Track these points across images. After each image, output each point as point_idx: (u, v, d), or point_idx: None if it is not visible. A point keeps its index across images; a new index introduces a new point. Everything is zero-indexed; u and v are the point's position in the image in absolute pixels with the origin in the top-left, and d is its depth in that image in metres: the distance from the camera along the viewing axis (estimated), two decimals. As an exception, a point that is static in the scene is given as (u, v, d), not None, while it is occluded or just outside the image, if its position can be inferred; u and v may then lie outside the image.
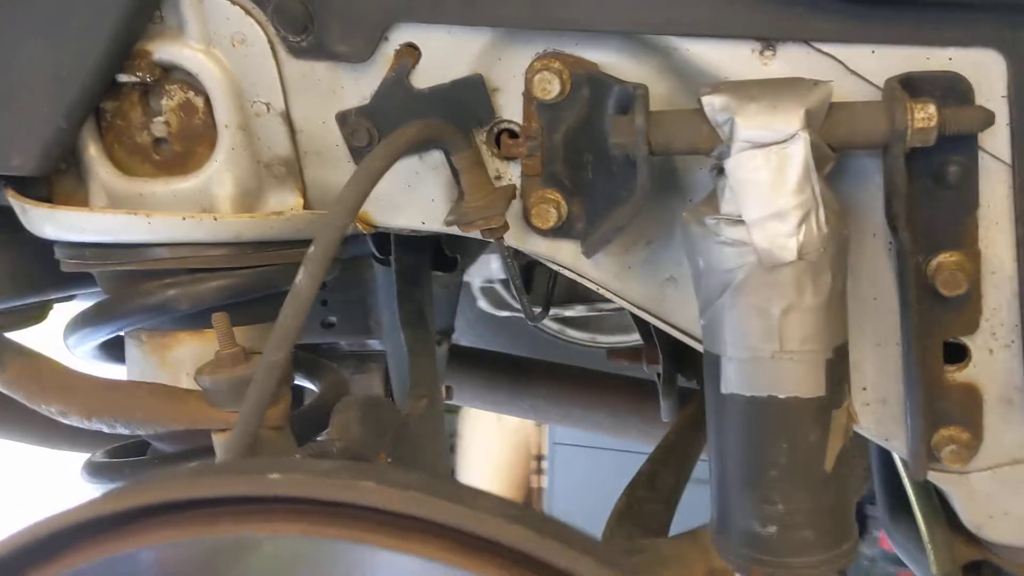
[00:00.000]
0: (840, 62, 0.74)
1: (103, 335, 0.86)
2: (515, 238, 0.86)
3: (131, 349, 0.89)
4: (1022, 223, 0.75)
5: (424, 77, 0.81)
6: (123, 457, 0.95)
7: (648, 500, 1.00)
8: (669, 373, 1.22)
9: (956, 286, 0.77)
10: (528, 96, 0.81)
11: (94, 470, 0.90)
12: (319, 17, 0.79)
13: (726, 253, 0.70)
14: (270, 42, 0.81)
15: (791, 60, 0.75)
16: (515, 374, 1.52)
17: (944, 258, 0.77)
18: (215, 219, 0.80)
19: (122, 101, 0.84)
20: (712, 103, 0.69)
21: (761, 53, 0.75)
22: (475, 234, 0.83)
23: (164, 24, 0.81)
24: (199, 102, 0.84)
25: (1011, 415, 0.82)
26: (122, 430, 0.76)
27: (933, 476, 0.86)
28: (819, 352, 0.71)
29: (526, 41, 0.79)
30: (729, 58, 0.76)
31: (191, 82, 0.83)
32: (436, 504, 0.43)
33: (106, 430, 0.76)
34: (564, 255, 0.87)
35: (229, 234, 0.81)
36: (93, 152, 0.84)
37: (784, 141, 0.67)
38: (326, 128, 0.85)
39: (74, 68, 0.78)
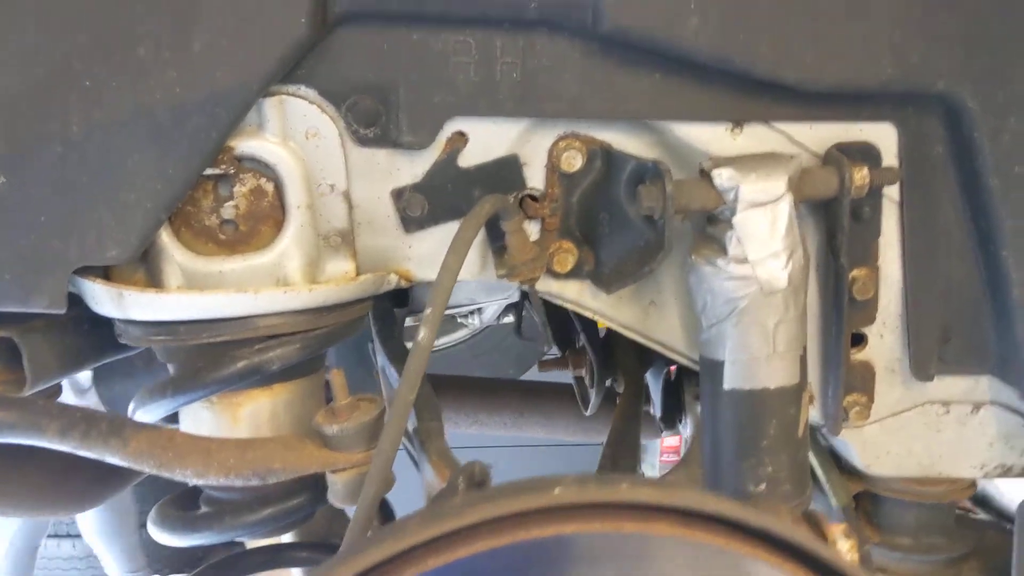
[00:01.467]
0: (787, 135, 1.01)
1: (195, 398, 0.95)
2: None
3: (199, 411, 0.99)
4: (907, 245, 1.06)
5: (469, 157, 0.99)
6: (181, 506, 1.04)
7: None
8: (600, 375, 1.47)
9: (866, 292, 1.06)
10: (552, 168, 1.00)
11: (173, 522, 0.99)
12: (388, 113, 0.94)
13: (734, 285, 0.94)
14: (340, 135, 0.95)
15: (753, 135, 1.00)
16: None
17: (857, 272, 1.06)
18: (309, 290, 0.93)
19: (196, 189, 0.94)
20: (720, 175, 0.93)
21: (731, 131, 1.00)
22: (515, 283, 1.01)
23: (245, 122, 0.92)
24: (269, 187, 0.95)
25: (893, 380, 1.14)
26: (255, 482, 0.87)
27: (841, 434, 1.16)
28: (797, 350, 0.97)
29: (552, 126, 0.99)
30: (708, 135, 1.00)
31: (262, 170, 0.95)
32: (701, 498, 0.64)
33: (239, 484, 0.87)
34: (569, 292, 1.07)
35: (314, 301, 0.94)
36: (166, 238, 0.93)
37: (776, 200, 0.93)
38: (379, 203, 1.00)
39: (180, 169, 0.87)
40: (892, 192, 1.04)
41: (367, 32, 0.91)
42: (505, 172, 1.00)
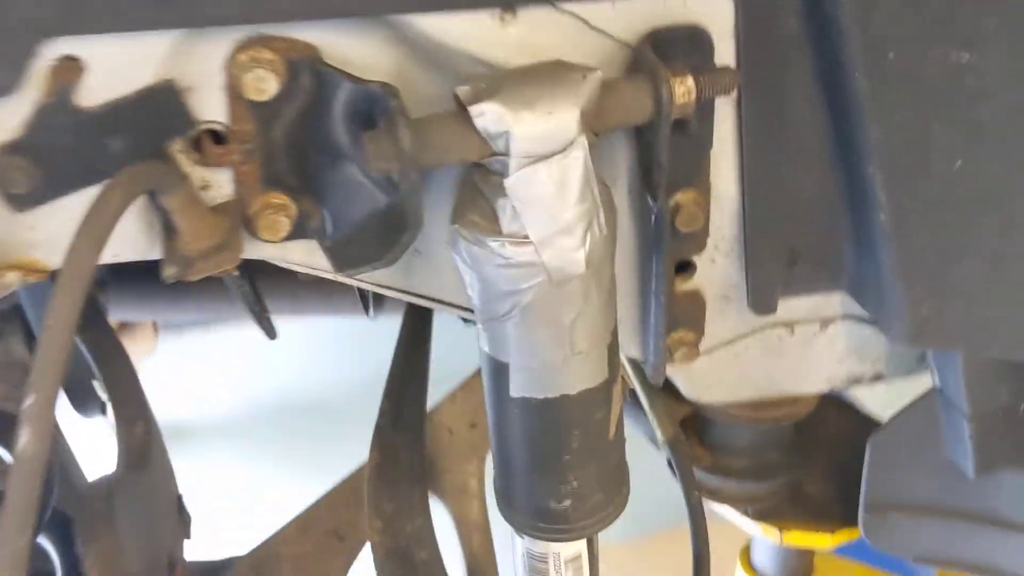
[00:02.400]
0: (583, 19, 0.69)
1: None
2: (236, 249, 0.73)
3: None
4: (747, 155, 0.78)
5: (92, 94, 0.62)
6: None
7: (400, 446, 0.98)
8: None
9: (693, 223, 0.79)
10: (235, 95, 0.66)
11: None
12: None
13: (513, 274, 0.65)
14: None
15: (533, 23, 0.68)
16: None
17: (681, 196, 0.78)
18: None
19: None
20: (483, 114, 0.61)
21: (501, 18, 0.67)
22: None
23: None
24: None
25: (727, 308, 0.90)
26: None
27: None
28: (603, 343, 0.71)
29: (223, 30, 0.63)
30: (466, 27, 0.66)
31: None
32: None
33: None
34: (295, 254, 0.76)
35: None
36: None
37: (564, 149, 0.62)
38: (-44, 174, 0.63)
39: None
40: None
41: None
42: (157, 108, 0.64)
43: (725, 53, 0.72)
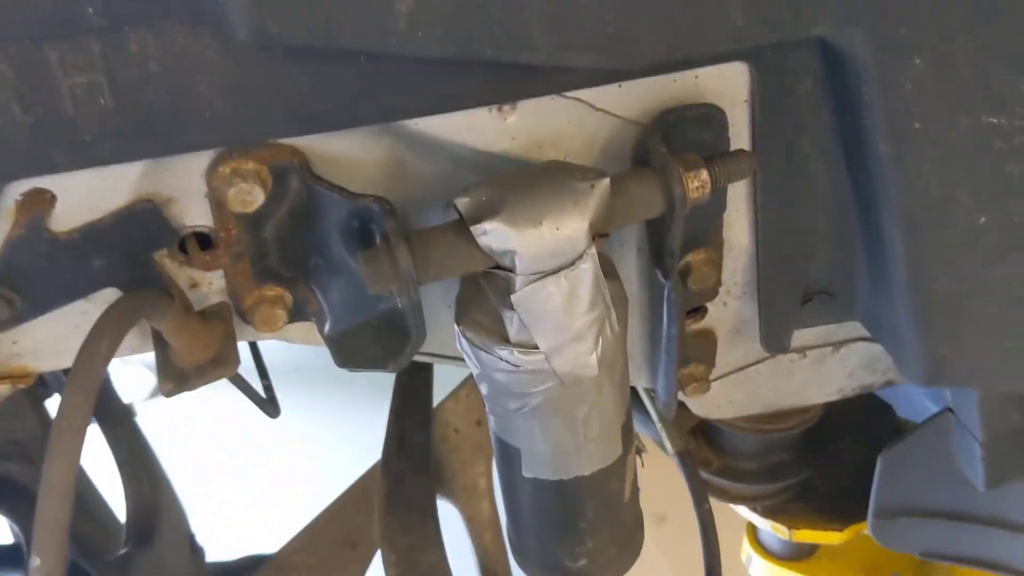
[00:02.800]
0: (586, 102, 0.64)
1: None
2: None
3: None
4: (761, 208, 0.75)
5: (66, 220, 0.58)
6: None
7: (407, 472, 0.97)
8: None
9: (705, 281, 0.77)
10: (219, 204, 0.62)
11: None
12: None
13: (522, 379, 0.62)
14: None
15: (533, 109, 0.63)
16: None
17: (693, 258, 0.75)
18: None
19: None
20: (486, 232, 0.57)
21: (499, 111, 0.62)
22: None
23: None
24: None
25: (738, 340, 0.88)
26: None
27: (675, 399, 0.91)
28: (616, 424, 0.69)
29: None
30: (465, 123, 0.62)
31: None
32: None
33: None
34: (294, 334, 0.73)
35: None
36: None
37: (574, 263, 0.59)
38: (-67, 304, 0.60)
39: None
40: (743, 144, 0.70)
41: None
42: (138, 224, 0.60)
43: (739, 119, 0.68)
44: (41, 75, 0.50)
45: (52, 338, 0.65)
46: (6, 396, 0.66)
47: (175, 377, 0.62)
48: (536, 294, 0.59)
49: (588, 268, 0.59)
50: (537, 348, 0.61)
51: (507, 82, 0.59)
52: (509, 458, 0.70)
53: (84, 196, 0.58)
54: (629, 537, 0.78)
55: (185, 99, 0.53)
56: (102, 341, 0.54)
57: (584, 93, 0.63)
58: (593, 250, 0.59)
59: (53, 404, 1.24)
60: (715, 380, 0.91)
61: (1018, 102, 0.66)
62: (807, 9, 0.59)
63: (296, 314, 0.70)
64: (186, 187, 0.61)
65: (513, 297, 0.59)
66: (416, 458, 0.98)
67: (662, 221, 0.65)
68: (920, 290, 0.75)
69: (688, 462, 1.02)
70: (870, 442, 1.05)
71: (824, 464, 1.14)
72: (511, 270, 0.58)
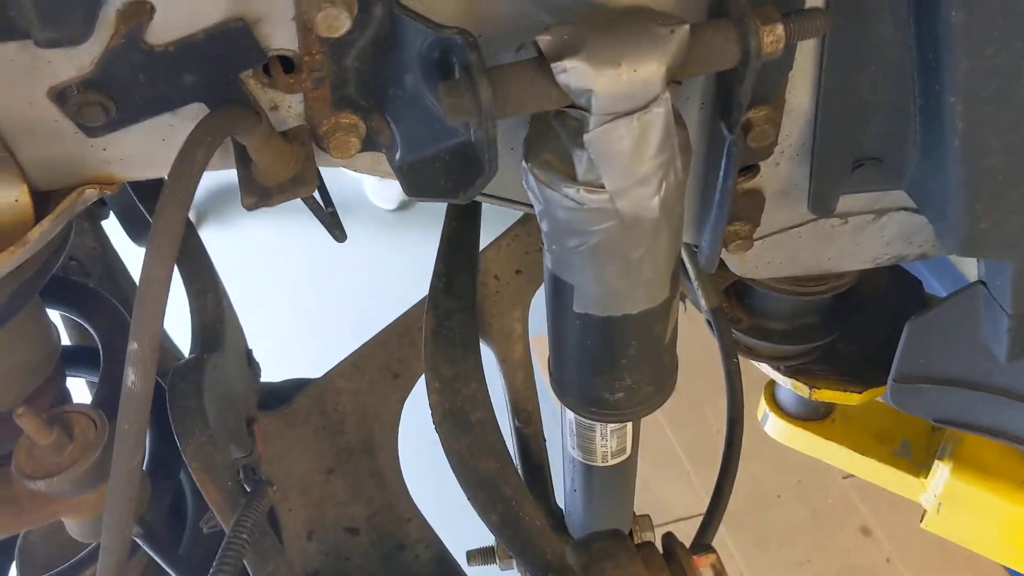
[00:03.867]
0: None
1: None
2: (306, 161, 0.73)
3: None
4: (826, 70, 0.76)
5: (162, 32, 0.61)
6: None
7: (454, 311, 1.02)
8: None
9: (764, 138, 0.78)
10: (305, 28, 0.64)
11: None
12: None
13: (584, 217, 0.66)
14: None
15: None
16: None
17: (755, 114, 0.77)
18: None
19: None
20: (566, 70, 0.59)
21: None
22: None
23: None
24: None
25: (784, 201, 0.90)
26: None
27: (716, 256, 0.95)
28: (667, 270, 0.73)
29: (292, -33, 0.60)
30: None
31: None
32: None
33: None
34: (361, 164, 0.76)
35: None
36: None
37: (647, 106, 0.61)
38: (35, 107, 0.63)
39: None
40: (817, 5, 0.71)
41: None
42: (227, 44, 0.63)
43: (815, -19, 0.68)
44: None
45: (139, 149, 0.68)
46: (93, 200, 0.69)
47: (257, 192, 0.66)
48: (608, 135, 0.61)
49: (660, 113, 0.61)
50: (603, 188, 0.63)
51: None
52: (561, 294, 0.74)
53: (180, 10, 0.60)
54: (665, 377, 0.83)
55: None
56: (198, 149, 0.57)
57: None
58: (667, 95, 0.61)
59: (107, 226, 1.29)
60: (757, 240, 0.94)
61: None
62: None
63: (368, 144, 0.72)
64: (275, 8, 0.63)
65: (585, 136, 0.61)
66: (463, 298, 1.02)
67: (733, 73, 0.67)
68: (972, 162, 0.77)
69: (721, 317, 1.07)
70: (897, 314, 1.08)
71: (851, 331, 1.18)
72: (586, 109, 0.61)
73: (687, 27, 0.61)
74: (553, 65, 0.59)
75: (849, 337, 1.18)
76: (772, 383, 1.39)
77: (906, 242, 1.00)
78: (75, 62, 0.61)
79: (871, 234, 0.97)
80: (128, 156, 0.69)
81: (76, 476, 0.64)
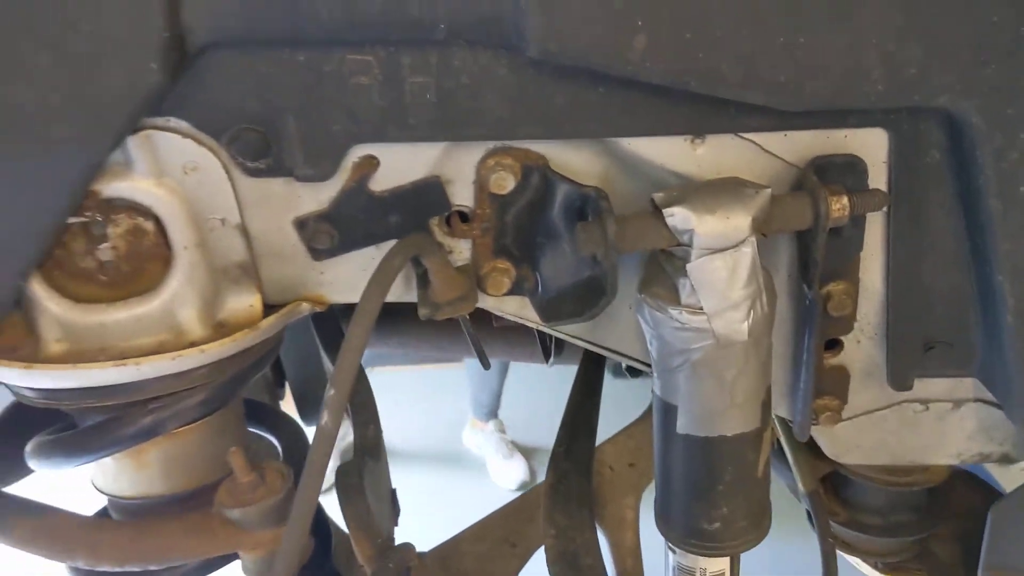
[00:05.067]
0: (758, 144, 0.86)
1: (87, 461, 0.86)
2: (466, 299, 0.93)
3: (103, 459, 0.90)
4: (892, 255, 0.93)
5: (382, 181, 0.84)
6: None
7: (571, 472, 1.16)
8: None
9: (843, 309, 0.94)
10: (481, 188, 0.86)
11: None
12: (279, 143, 0.79)
13: (687, 336, 0.82)
14: (224, 167, 0.80)
15: (717, 146, 0.85)
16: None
17: (834, 287, 0.93)
18: (202, 351, 0.82)
19: (65, 234, 0.81)
20: (673, 215, 0.79)
21: (691, 142, 0.85)
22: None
23: (111, 161, 0.77)
24: (148, 226, 0.82)
25: (869, 382, 1.04)
26: (153, 567, 0.80)
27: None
28: (758, 398, 0.87)
29: (478, 143, 0.84)
30: (664, 148, 0.85)
31: (138, 209, 0.81)
32: None
33: (137, 571, 0.80)
34: (510, 307, 0.95)
35: (210, 359, 0.83)
36: (38, 289, 0.81)
37: (737, 246, 0.79)
38: (281, 233, 0.86)
39: (36, 223, 0.75)
40: (879, 201, 0.90)
41: (242, 56, 0.74)
42: (425, 195, 0.86)
43: (878, 177, 0.88)
44: (395, 73, 0.77)
45: (346, 275, 0.90)
46: (304, 313, 0.91)
47: (431, 306, 0.86)
48: (706, 265, 0.79)
49: (748, 252, 0.80)
50: (702, 310, 0.81)
51: (701, 117, 0.82)
52: (667, 417, 0.89)
53: (397, 166, 0.84)
54: (759, 515, 0.94)
55: (479, 102, 0.79)
56: (397, 255, 0.79)
57: (757, 137, 0.85)
58: (753, 239, 0.80)
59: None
60: (846, 420, 1.07)
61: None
62: (933, 84, 0.79)
63: (515, 288, 0.92)
64: (461, 174, 0.86)
65: (688, 266, 0.80)
66: (580, 462, 1.16)
67: (809, 238, 0.85)
68: (1024, 339, 0.91)
69: (817, 500, 1.16)
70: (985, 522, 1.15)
71: (943, 533, 1.24)
72: (689, 245, 0.80)
73: (769, 190, 0.80)
74: (664, 211, 0.79)
75: (945, 539, 1.24)
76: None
77: (987, 438, 1.10)
78: (317, 198, 0.84)
79: (952, 424, 1.08)
80: (337, 280, 0.91)
81: (263, 511, 0.80)
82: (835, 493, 1.23)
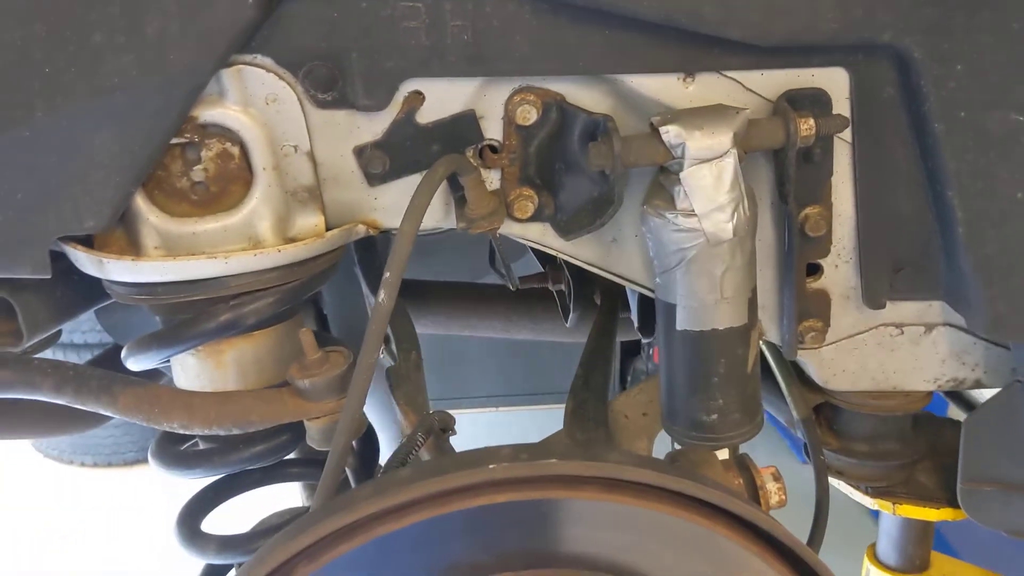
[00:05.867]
0: (739, 83, 1.03)
1: (177, 352, 1.03)
2: (496, 224, 1.10)
3: (186, 359, 1.07)
4: (859, 182, 1.09)
5: (427, 114, 1.02)
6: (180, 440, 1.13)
7: (589, 399, 1.31)
8: (577, 290, 1.53)
9: (818, 229, 1.10)
10: (509, 121, 1.03)
11: (170, 458, 1.08)
12: (344, 77, 0.97)
13: (682, 236, 0.98)
14: (299, 99, 0.98)
15: (705, 84, 1.02)
16: (414, 295, 1.77)
17: (810, 211, 1.09)
18: (279, 251, 0.98)
19: (165, 155, 0.98)
20: (668, 131, 0.96)
21: (683, 80, 1.02)
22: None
23: (207, 91, 0.95)
24: (235, 151, 0.99)
25: (847, 306, 1.19)
26: (236, 431, 0.96)
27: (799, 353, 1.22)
28: (745, 294, 1.02)
29: (506, 81, 1.02)
30: (660, 85, 1.02)
31: (227, 135, 0.98)
32: (621, 469, 0.71)
33: (221, 433, 0.96)
34: (532, 233, 1.12)
35: (284, 260, 1.00)
36: (141, 203, 0.98)
37: (721, 156, 0.96)
38: (343, 160, 1.03)
39: (144, 145, 0.91)
40: (845, 133, 1.06)
41: (316, 2, 0.93)
42: (463, 127, 1.03)
43: (842, 111, 1.04)
44: (438, 18, 0.95)
45: (397, 202, 1.07)
46: (360, 235, 1.07)
47: (466, 220, 1.02)
48: (696, 173, 0.96)
49: (730, 162, 0.96)
50: (694, 212, 0.97)
51: (690, 56, 0.99)
52: (668, 317, 1.04)
53: (439, 101, 1.01)
54: (751, 409, 1.09)
55: (507, 42, 0.97)
56: (440, 166, 0.96)
57: (738, 75, 1.02)
58: (735, 151, 0.96)
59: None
60: (830, 344, 1.21)
61: (1037, 108, 1.00)
62: (878, 22, 0.96)
63: (537, 213, 1.09)
64: (492, 110, 1.03)
65: (682, 175, 0.96)
66: (597, 390, 1.31)
67: (783, 158, 1.01)
68: (976, 253, 1.06)
69: (810, 425, 1.31)
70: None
71: (928, 465, 1.38)
72: (681, 158, 0.96)
73: (747, 111, 0.97)
74: (660, 129, 0.96)
75: (929, 470, 1.37)
76: (872, 546, 1.55)
77: (960, 363, 1.24)
78: (372, 128, 1.02)
79: (926, 348, 1.22)
80: (390, 207, 1.07)
81: (327, 382, 0.95)
82: (828, 425, 1.37)
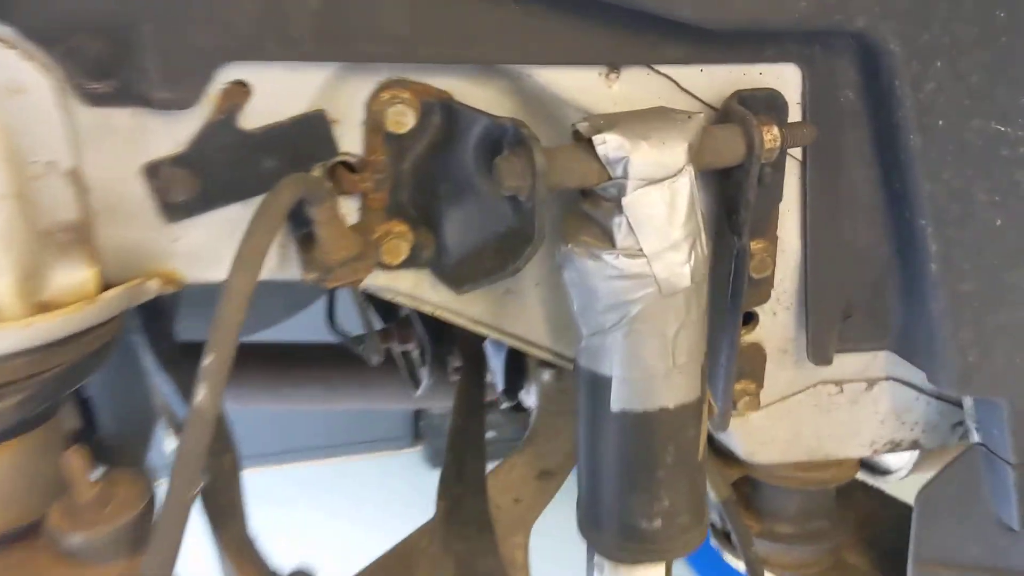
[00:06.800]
0: (674, 81, 0.78)
1: None
2: (350, 274, 0.79)
3: None
4: (810, 209, 0.87)
5: (254, 116, 0.70)
6: None
7: (466, 494, 1.02)
8: (433, 351, 1.22)
9: (764, 269, 0.87)
10: (374, 127, 0.74)
11: None
12: (129, 59, 0.64)
13: (624, 286, 0.72)
14: (58, 90, 0.64)
15: (632, 81, 0.77)
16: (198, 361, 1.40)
17: (755, 246, 0.86)
18: (27, 325, 0.63)
19: None
20: (604, 141, 0.69)
21: (606, 76, 0.76)
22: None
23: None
24: (-50, 169, 0.64)
25: (785, 361, 0.96)
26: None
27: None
28: (698, 359, 0.77)
29: (371, 70, 0.72)
30: (577, 81, 0.76)
31: (-64, 145, 0.63)
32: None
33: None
34: (403, 284, 0.82)
35: (35, 338, 0.65)
36: None
37: (675, 175, 0.70)
38: (126, 183, 0.70)
39: None
40: (795, 149, 0.84)
41: (87, -58, 0.60)
42: (307, 135, 0.72)
43: (794, 118, 0.82)
44: (274, -27, 0.64)
45: (208, 243, 0.74)
46: (152, 295, 0.74)
47: (320, 268, 0.71)
48: (643, 199, 0.70)
49: (686, 182, 0.71)
50: (641, 252, 0.70)
51: (618, 46, 0.74)
52: (598, 394, 0.77)
53: (273, 97, 0.70)
54: (700, 509, 0.83)
55: (375, 17, 0.67)
56: (282, 193, 0.64)
57: (674, 72, 0.78)
58: (691, 168, 0.71)
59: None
60: (762, 409, 0.99)
61: (1019, 115, 0.81)
62: (852, 5, 0.75)
63: (412, 258, 0.79)
64: (349, 112, 0.73)
65: (624, 200, 0.70)
66: (473, 484, 1.02)
67: (740, 174, 0.77)
68: (949, 290, 0.86)
69: (733, 507, 1.07)
70: (888, 528, 1.10)
71: (851, 541, 1.18)
72: (623, 178, 0.70)
73: (702, 115, 0.72)
74: (594, 138, 0.69)
75: (854, 547, 1.18)
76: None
77: (899, 423, 1.05)
78: (173, 136, 0.69)
79: (866, 407, 1.03)
80: (196, 250, 0.74)
81: (114, 535, 0.60)
82: (745, 503, 1.15)
